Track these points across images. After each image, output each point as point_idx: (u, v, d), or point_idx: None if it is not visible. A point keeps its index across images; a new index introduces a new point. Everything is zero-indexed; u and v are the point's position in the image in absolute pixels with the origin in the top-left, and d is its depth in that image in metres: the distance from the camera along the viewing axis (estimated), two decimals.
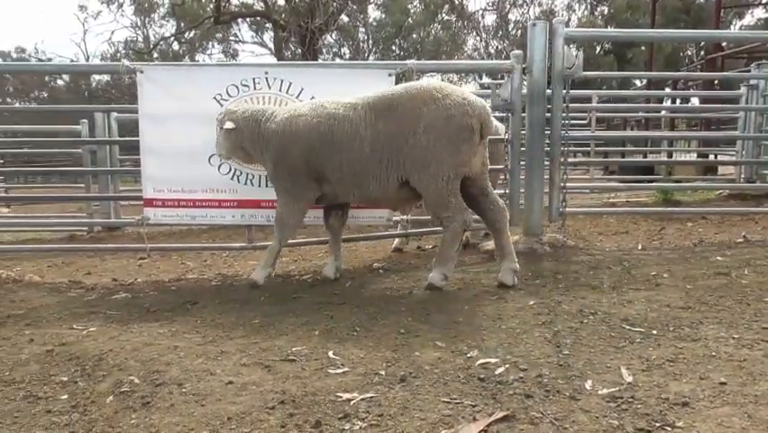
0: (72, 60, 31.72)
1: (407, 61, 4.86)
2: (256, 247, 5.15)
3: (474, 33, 28.38)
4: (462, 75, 23.54)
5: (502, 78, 5.15)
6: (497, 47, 28.87)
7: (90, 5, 32.82)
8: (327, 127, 4.02)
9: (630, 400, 2.33)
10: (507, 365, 2.73)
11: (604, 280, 4.18)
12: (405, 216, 5.19)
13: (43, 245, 6.04)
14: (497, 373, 2.66)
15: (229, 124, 4.25)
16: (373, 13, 28.86)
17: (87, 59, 33.94)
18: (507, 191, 5.09)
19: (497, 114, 5.03)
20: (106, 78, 32.74)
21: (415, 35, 28.82)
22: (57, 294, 4.45)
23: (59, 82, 37.41)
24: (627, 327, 3.18)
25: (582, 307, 3.55)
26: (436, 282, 4.06)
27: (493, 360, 2.81)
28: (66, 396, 2.62)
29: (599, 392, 2.41)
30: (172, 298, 4.27)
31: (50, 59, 32.53)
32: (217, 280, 4.80)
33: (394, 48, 28.43)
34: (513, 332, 3.19)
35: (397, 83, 4.71)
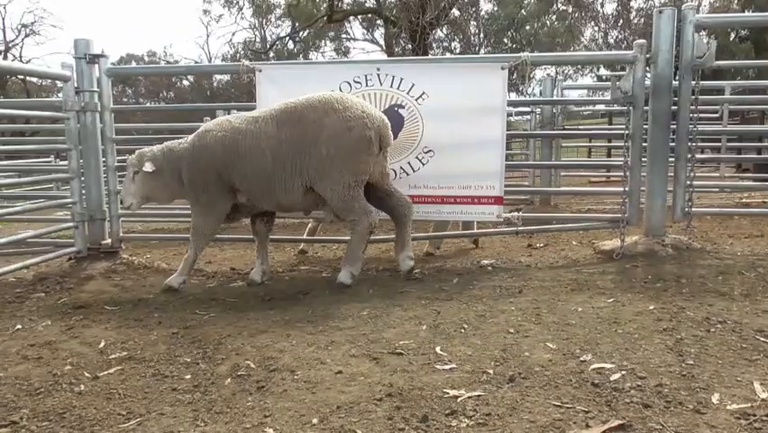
0: (196, 62, 33.86)
1: (521, 54, 4.71)
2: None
3: (592, 23, 27.17)
4: (578, 67, 22.62)
5: (622, 69, 4.87)
6: (616, 37, 27.43)
7: (213, 9, 34.62)
8: (232, 141, 4.19)
9: (765, 418, 2.13)
10: (623, 372, 2.59)
11: (735, 286, 3.85)
12: (516, 213, 5.06)
13: (170, 235, 6.48)
14: (612, 379, 2.53)
15: (148, 166, 4.31)
16: (485, 6, 28.42)
17: (210, 61, 36.06)
18: (627, 188, 4.82)
19: (616, 107, 4.77)
20: (227, 77, 34.58)
21: (528, 27, 27.98)
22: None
23: (185, 83, 40.00)
24: (762, 339, 2.91)
25: (709, 314, 3.29)
26: (345, 281, 4.26)
27: (608, 365, 2.67)
28: (189, 376, 2.79)
29: (728, 408, 2.22)
30: (285, 287, 4.44)
31: (177, 62, 34.95)
32: (328, 271, 4.93)
33: (506, 41, 27.76)
34: (630, 337, 3.01)
35: (510, 76, 4.59)
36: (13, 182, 6.27)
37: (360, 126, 4.07)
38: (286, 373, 2.76)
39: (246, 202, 4.39)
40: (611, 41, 27.43)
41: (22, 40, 29.10)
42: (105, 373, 2.85)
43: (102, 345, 3.23)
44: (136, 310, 3.91)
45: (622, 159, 4.91)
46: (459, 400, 2.41)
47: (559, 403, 2.34)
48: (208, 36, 48.52)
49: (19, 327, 3.63)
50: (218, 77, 36.67)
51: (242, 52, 31.62)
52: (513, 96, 22.91)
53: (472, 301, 3.81)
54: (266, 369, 2.82)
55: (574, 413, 2.25)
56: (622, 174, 4.90)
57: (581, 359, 2.76)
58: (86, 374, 2.84)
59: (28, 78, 24.91)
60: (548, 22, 29.02)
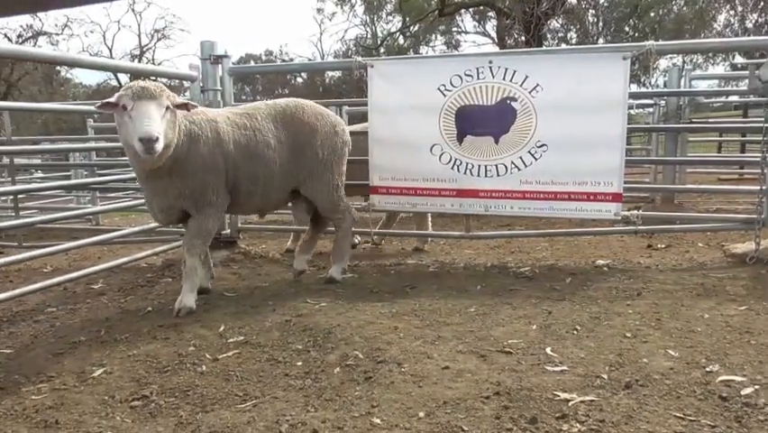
0: (310, 59, 34.97)
1: (645, 42, 4.42)
2: (473, 236, 5.18)
3: (728, 7, 25.00)
4: (709, 56, 20.89)
5: (762, 56, 4.44)
6: (756, 21, 25.06)
7: (326, 8, 35.62)
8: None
9: None
10: (756, 386, 2.37)
11: None
12: (636, 212, 4.78)
13: (283, 226, 6.75)
14: (743, 393, 2.33)
15: None
16: None
17: (323, 58, 37.14)
18: (764, 187, 4.41)
19: (753, 98, 4.37)
20: (338, 74, 35.49)
21: (652, 13, 26.21)
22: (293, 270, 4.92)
23: (299, 80, 41.49)
24: None
25: None
26: (336, 276, 4.43)
27: (738, 378, 2.46)
28: (300, 363, 2.89)
29: None
30: (393, 280, 4.48)
31: (291, 60, 36.30)
32: (435, 266, 4.92)
33: (627, 29, 26.18)
34: (765, 350, 2.76)
35: (632, 66, 4.33)
36: None
37: (342, 131, 4.45)
38: (393, 365, 2.78)
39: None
40: (749, 25, 25.11)
41: (155, 44, 31.51)
42: (224, 355, 3.02)
43: (221, 328, 3.42)
44: (252, 298, 4.11)
45: (759, 155, 4.50)
46: (570, 403, 2.32)
47: (681, 415, 2.19)
48: (321, 34, 50.04)
49: (149, 309, 3.92)
50: (330, 73, 37.74)
51: (353, 49, 32.27)
52: (633, 88, 21.70)
53: (586, 302, 3.65)
54: (373, 360, 2.86)
55: (698, 427, 2.10)
56: (759, 172, 4.49)
57: (707, 369, 2.57)
58: (208, 356, 3.02)
59: (159, 78, 26.94)
60: (675, 7, 27.06)
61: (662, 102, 8.63)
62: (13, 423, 2.39)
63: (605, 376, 2.55)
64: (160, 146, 3.27)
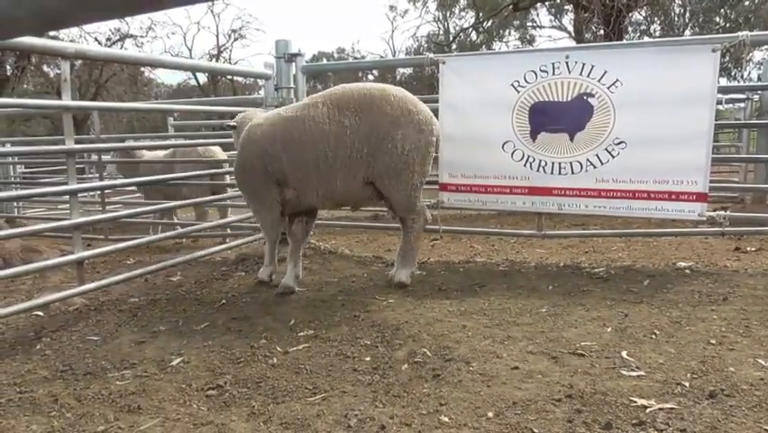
0: (381, 57, 35.17)
1: (738, 33, 4.15)
2: (546, 235, 5.05)
3: None
4: None
5: None
6: None
7: (399, 5, 35.64)
8: (283, 130, 4.19)
9: None
10: None
11: None
12: (722, 212, 4.51)
13: (352, 223, 6.81)
14: None
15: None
16: None
17: (394, 55, 37.23)
18: None
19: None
20: (409, 71, 35.48)
21: (747, 2, 24.64)
22: (363, 266, 4.97)
23: (370, 77, 41.79)
24: None
25: None
26: (406, 280, 4.21)
27: None
28: (369, 358, 2.90)
29: None
30: (461, 279, 4.44)
31: (363, 57, 36.59)
32: (505, 265, 4.84)
33: (717, 19, 24.75)
34: None
35: (721, 59, 4.09)
36: (219, 172, 7.01)
37: (429, 132, 4.14)
38: (461, 363, 2.75)
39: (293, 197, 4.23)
40: None
41: (232, 43, 32.50)
42: (295, 348, 3.07)
43: (292, 322, 3.49)
44: (321, 292, 4.17)
45: None
46: (648, 410, 2.22)
47: None
48: (393, 31, 50.03)
49: (224, 301, 4.05)
50: (401, 70, 37.78)
51: (425, 45, 32.13)
52: (723, 82, 20.55)
53: (666, 306, 3.49)
54: (441, 358, 2.84)
55: None
56: None
57: None
58: (279, 348, 3.08)
59: (235, 77, 27.76)
60: None
61: (756, 96, 8.12)
62: (101, 406, 2.52)
63: (686, 384, 2.43)
64: None
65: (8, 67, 22.32)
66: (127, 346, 3.23)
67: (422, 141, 4.09)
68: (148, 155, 7.14)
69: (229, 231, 6.51)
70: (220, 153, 6.83)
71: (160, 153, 7.09)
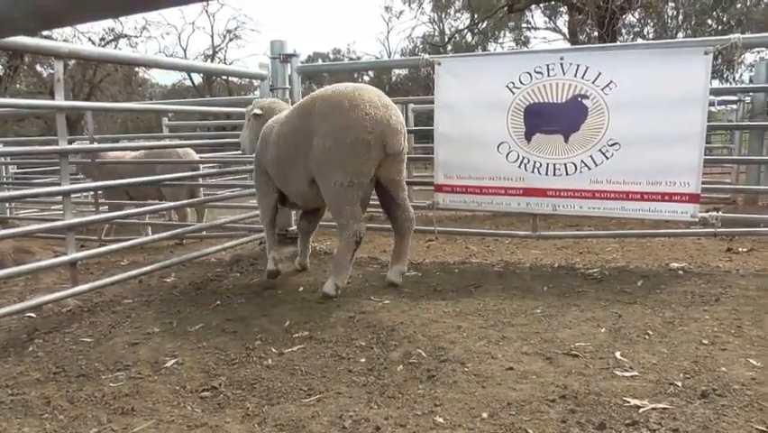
0: (377, 58, 35.17)
1: (731, 36, 4.18)
2: (540, 236, 5.06)
3: None
4: None
5: None
6: None
7: (394, 6, 35.68)
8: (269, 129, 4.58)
9: None
10: None
11: None
12: (714, 213, 4.54)
13: None
14: None
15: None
16: None
17: (390, 56, 37.25)
18: None
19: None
20: (405, 72, 35.52)
21: (739, 5, 24.73)
22: (358, 267, 4.96)
23: (365, 78, 41.78)
24: None
25: None
26: (330, 292, 3.99)
27: None
28: (364, 359, 2.91)
29: None
30: (456, 279, 4.44)
31: (359, 58, 36.61)
32: (500, 266, 4.85)
33: (710, 22, 24.84)
34: None
35: (714, 61, 4.11)
36: (214, 172, 7.01)
37: (358, 129, 3.80)
38: (456, 364, 2.76)
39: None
40: None
41: (227, 44, 32.47)
42: (290, 349, 3.07)
43: (287, 323, 3.49)
44: (317, 293, 4.16)
45: None
46: (641, 410, 2.24)
47: (764, 428, 2.07)
48: (389, 32, 50.23)
49: (218, 302, 4.05)
50: (396, 71, 37.82)
51: (420, 46, 32.20)
52: (715, 84, 20.66)
53: (659, 306, 3.51)
54: (436, 359, 2.84)
55: None
56: None
57: None
58: (274, 350, 3.08)
59: (230, 77, 27.75)
60: None
61: (747, 98, 8.17)
62: (94, 408, 2.51)
63: (679, 384, 2.44)
64: None
65: (0, 66, 22.23)
66: (121, 348, 3.22)
67: (348, 137, 3.80)
68: (111, 156, 7.15)
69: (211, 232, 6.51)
70: (193, 155, 6.88)
71: (131, 154, 7.11)
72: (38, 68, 24.59)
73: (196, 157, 7.03)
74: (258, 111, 4.72)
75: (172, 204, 5.85)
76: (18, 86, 24.88)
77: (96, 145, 6.88)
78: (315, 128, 3.92)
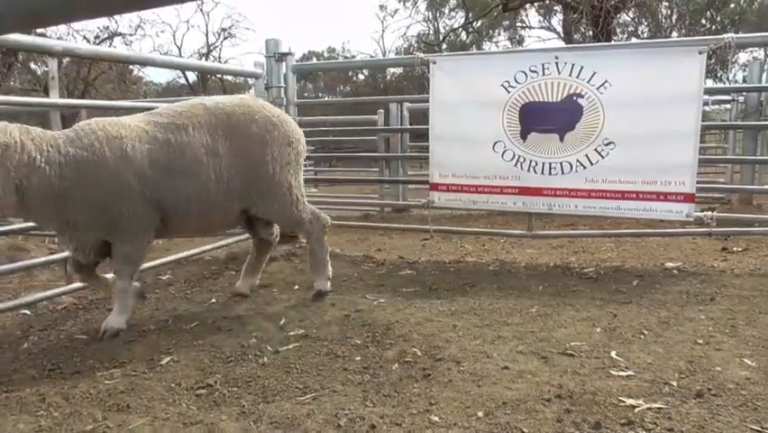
0: (372, 56, 35.15)
1: (724, 36, 4.20)
2: (536, 235, 5.07)
3: None
4: None
5: None
6: None
7: (389, 4, 35.62)
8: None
9: None
10: None
11: None
12: (709, 213, 4.55)
13: (343, 222, 6.80)
14: None
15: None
16: None
17: (384, 55, 37.23)
18: None
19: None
20: (400, 70, 35.49)
21: (732, 5, 24.83)
22: (353, 266, 4.96)
23: (360, 77, 41.70)
24: None
25: None
26: (325, 288, 3.98)
27: None
28: (359, 358, 2.90)
29: None
30: (452, 278, 4.44)
31: (354, 57, 36.56)
32: (495, 265, 4.85)
33: (704, 22, 24.93)
34: None
35: (708, 61, 4.13)
36: None
37: (297, 141, 3.82)
38: (451, 363, 2.76)
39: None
40: None
41: (221, 42, 32.38)
42: (285, 348, 3.07)
43: (282, 321, 3.48)
44: (312, 292, 4.16)
45: None
46: (636, 410, 2.24)
47: (758, 428, 2.08)
48: (383, 31, 50.06)
49: (214, 300, 4.04)
50: (391, 70, 37.80)
51: (415, 45, 32.16)
52: (709, 83, 20.73)
53: (654, 306, 3.52)
54: (432, 357, 2.84)
55: None
56: None
57: None
58: (269, 348, 3.07)
59: (225, 76, 27.68)
60: None
61: (741, 98, 8.21)
62: (89, 405, 2.50)
63: (674, 383, 2.45)
64: None
65: None
66: (116, 345, 3.20)
67: (292, 154, 3.76)
68: None
69: None
70: None
71: None
72: (32, 65, 24.46)
73: None
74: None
75: None
76: (12, 83, 24.74)
77: None
78: (255, 154, 3.60)
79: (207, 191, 3.46)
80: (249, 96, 4.01)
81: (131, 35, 26.84)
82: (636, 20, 25.33)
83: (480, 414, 2.28)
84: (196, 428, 2.29)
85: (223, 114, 3.55)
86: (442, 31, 31.82)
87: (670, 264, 4.55)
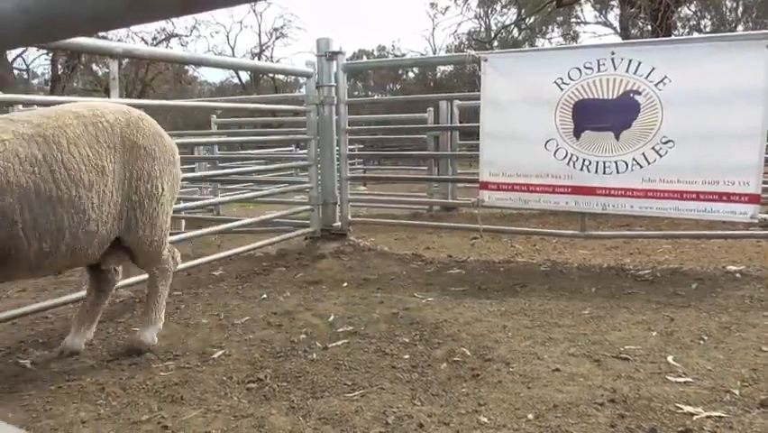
0: (422, 54, 35.03)
1: None
2: (589, 236, 4.95)
3: None
4: None
5: None
6: None
7: (440, 2, 35.43)
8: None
9: None
10: None
11: None
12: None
13: (391, 220, 6.82)
14: None
15: None
16: None
17: (435, 52, 37.05)
18: None
19: None
20: (450, 68, 35.28)
21: None
22: (402, 264, 4.96)
23: (410, 75, 41.64)
24: None
25: None
26: (151, 341, 3.10)
27: None
28: (408, 356, 2.90)
29: None
30: (502, 278, 4.39)
31: (404, 55, 36.56)
32: (546, 265, 4.77)
33: None
34: None
35: None
36: (261, 169, 7.12)
37: (178, 160, 3.23)
38: (501, 364, 2.72)
39: None
40: None
41: (273, 42, 32.94)
42: (334, 344, 3.09)
43: (331, 318, 3.51)
44: (361, 289, 4.18)
45: None
46: (695, 418, 2.16)
47: None
48: (434, 28, 49.83)
49: (264, 296, 4.11)
50: (441, 68, 37.59)
51: (465, 43, 31.92)
52: None
53: (715, 311, 3.39)
54: (481, 358, 2.81)
55: None
56: None
57: None
58: (318, 344, 3.10)
59: (276, 75, 28.16)
60: None
61: None
62: (145, 396, 2.58)
63: (736, 392, 2.35)
64: None
65: (59, 66, 23.08)
66: (170, 338, 3.30)
67: (174, 174, 3.18)
68: None
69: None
70: None
71: None
72: (94, 67, 25.46)
73: None
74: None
75: (217, 199, 5.94)
76: (75, 84, 25.82)
77: None
78: (143, 170, 2.95)
79: (87, 220, 2.70)
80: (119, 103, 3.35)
81: (186, 36, 27.62)
82: (699, 13, 24.40)
83: (530, 416, 2.24)
84: (247, 421, 2.33)
85: (104, 122, 2.83)
86: (493, 28, 31.42)
87: (732, 267, 4.37)
